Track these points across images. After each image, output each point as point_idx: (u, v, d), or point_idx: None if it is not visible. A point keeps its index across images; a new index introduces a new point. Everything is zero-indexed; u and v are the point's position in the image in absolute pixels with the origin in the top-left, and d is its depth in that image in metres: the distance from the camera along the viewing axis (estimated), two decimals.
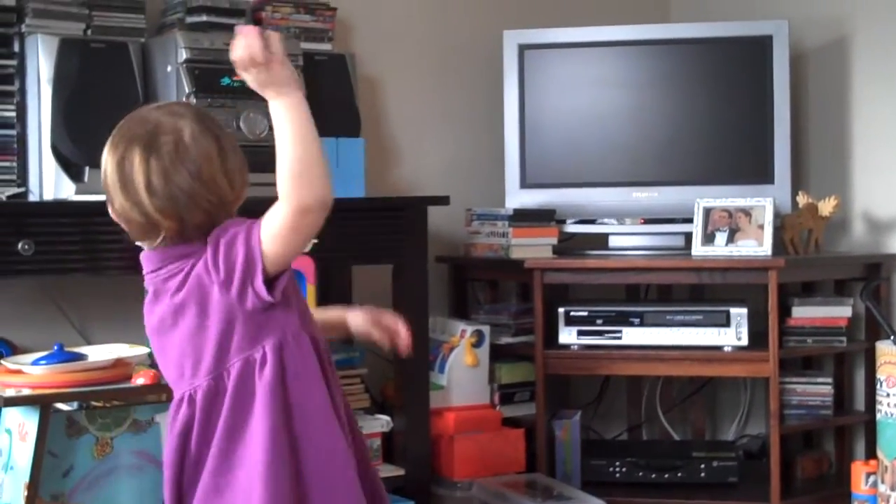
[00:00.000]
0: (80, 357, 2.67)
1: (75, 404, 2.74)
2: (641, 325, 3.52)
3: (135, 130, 1.89)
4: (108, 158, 1.92)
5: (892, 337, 3.39)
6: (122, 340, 2.88)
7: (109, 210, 1.97)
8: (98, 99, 3.12)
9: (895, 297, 3.75)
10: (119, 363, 2.68)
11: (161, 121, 1.90)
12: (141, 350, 2.76)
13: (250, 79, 1.88)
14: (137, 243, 2.01)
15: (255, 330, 1.92)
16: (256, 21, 3.49)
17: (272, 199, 2.61)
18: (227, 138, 1.98)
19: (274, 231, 1.89)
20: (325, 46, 3.59)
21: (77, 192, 3.07)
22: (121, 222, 1.96)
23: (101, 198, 2.95)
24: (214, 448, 1.92)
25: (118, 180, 1.88)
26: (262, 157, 3.18)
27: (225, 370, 1.92)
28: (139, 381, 2.64)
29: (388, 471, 3.30)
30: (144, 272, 1.99)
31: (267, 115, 3.16)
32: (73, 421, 2.68)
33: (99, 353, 2.73)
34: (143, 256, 2.00)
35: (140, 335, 2.88)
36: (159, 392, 2.75)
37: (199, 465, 1.94)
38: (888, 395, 3.35)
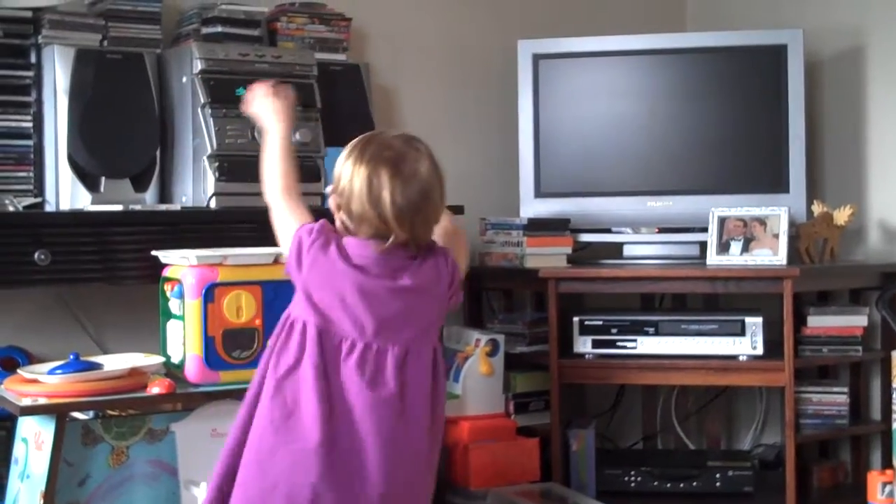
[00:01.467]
0: (96, 366, 2.68)
1: (91, 413, 2.76)
2: (656, 334, 3.51)
3: (381, 153, 2.27)
4: (353, 169, 2.27)
5: None
6: (138, 350, 2.90)
7: (338, 208, 2.32)
8: (114, 109, 3.14)
9: None
10: (134, 372, 2.69)
11: (402, 149, 2.29)
12: (156, 359, 2.77)
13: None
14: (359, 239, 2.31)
15: None
16: (272, 31, 3.51)
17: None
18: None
19: None
20: (340, 57, 3.60)
21: (93, 202, 3.09)
22: (349, 220, 2.30)
23: (118, 207, 3.00)
24: None
25: (365, 190, 2.24)
26: None
27: None
28: (154, 390, 2.65)
29: None
30: (366, 260, 2.28)
31: None
32: (88, 430, 2.69)
33: (114, 362, 2.75)
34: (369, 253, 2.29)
35: (154, 344, 2.90)
36: (174, 401, 2.77)
37: None
38: None
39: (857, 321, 3.59)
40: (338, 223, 2.34)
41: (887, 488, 3.41)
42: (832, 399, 3.56)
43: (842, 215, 3.66)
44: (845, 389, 3.59)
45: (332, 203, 2.34)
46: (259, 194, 3.15)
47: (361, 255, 2.28)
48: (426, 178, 2.28)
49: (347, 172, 2.28)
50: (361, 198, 2.25)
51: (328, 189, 2.38)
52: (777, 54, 3.72)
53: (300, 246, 2.30)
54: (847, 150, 3.92)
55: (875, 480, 3.44)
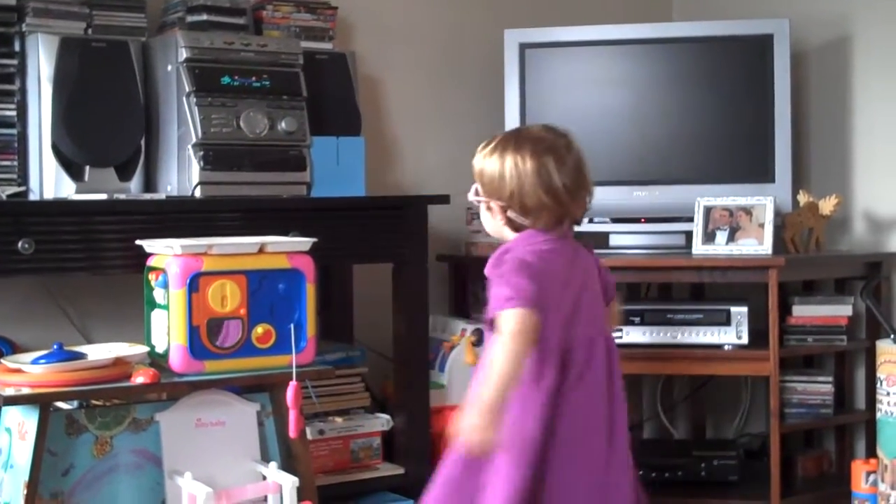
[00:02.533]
0: (80, 356, 2.67)
1: (75, 403, 2.75)
2: (642, 323, 3.52)
3: (538, 146, 2.42)
4: (519, 167, 2.41)
5: (892, 335, 3.39)
6: (122, 339, 2.89)
7: (504, 206, 2.45)
8: (98, 98, 3.13)
9: (895, 295, 3.76)
10: (119, 362, 2.69)
11: (552, 138, 2.46)
12: (141, 349, 2.76)
13: None
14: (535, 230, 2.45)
15: None
16: (257, 20, 3.49)
17: (272, 198, 2.63)
18: None
19: None
20: (326, 45, 3.59)
21: (77, 191, 3.08)
22: (523, 216, 2.43)
23: (102, 196, 2.98)
24: None
25: (538, 182, 2.40)
26: (261, 155, 3.22)
27: None
28: (139, 379, 2.64)
29: (387, 469, 3.32)
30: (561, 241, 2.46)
31: (266, 115, 3.19)
32: (72, 420, 2.68)
33: (98, 351, 2.74)
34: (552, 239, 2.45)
35: (138, 334, 2.89)
36: (159, 391, 2.76)
37: None
38: (888, 393, 3.35)
39: (841, 311, 3.61)
40: (500, 223, 2.47)
41: (871, 477, 3.42)
42: (817, 388, 3.57)
43: (827, 205, 3.67)
44: (830, 379, 3.60)
45: (495, 207, 2.46)
46: (244, 183, 3.16)
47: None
48: (579, 156, 2.46)
49: (511, 171, 2.41)
50: (536, 190, 2.39)
51: (476, 198, 2.50)
52: (763, 44, 3.73)
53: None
54: (833, 139, 3.93)
55: (859, 469, 3.46)
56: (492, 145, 2.48)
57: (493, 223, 2.50)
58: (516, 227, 2.45)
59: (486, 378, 2.29)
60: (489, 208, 2.49)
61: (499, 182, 2.43)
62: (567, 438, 2.36)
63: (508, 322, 2.31)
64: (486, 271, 2.41)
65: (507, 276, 2.35)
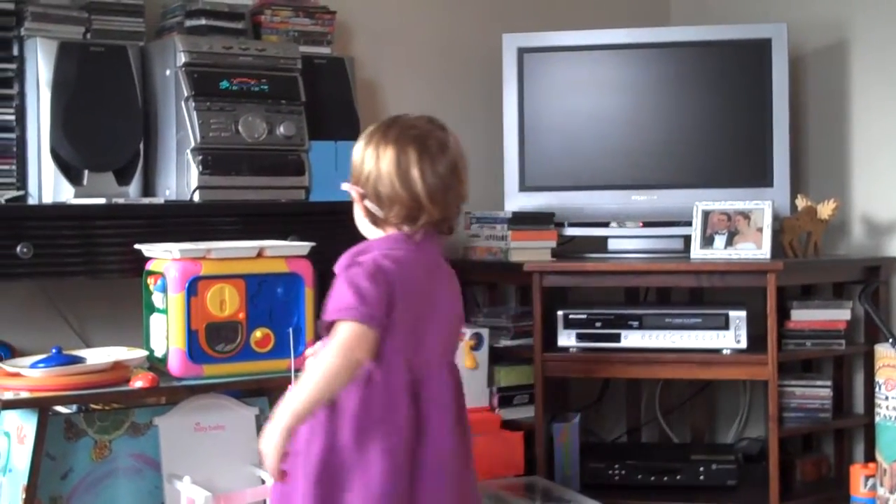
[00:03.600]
0: (79, 360, 2.67)
1: (74, 407, 2.75)
2: (640, 327, 3.52)
3: (406, 132, 2.24)
4: (378, 152, 2.23)
5: (890, 340, 3.39)
6: (121, 343, 2.89)
7: (362, 197, 2.25)
8: (97, 102, 3.13)
9: (894, 300, 3.75)
10: (117, 366, 2.69)
11: (427, 127, 2.28)
12: (139, 353, 2.77)
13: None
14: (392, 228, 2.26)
15: None
16: (256, 24, 3.49)
17: (271, 203, 2.64)
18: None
19: None
20: (325, 50, 3.59)
21: (76, 196, 3.08)
22: (377, 206, 2.24)
23: (101, 201, 2.98)
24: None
25: (394, 171, 2.20)
26: (260, 160, 3.22)
27: None
28: (137, 383, 2.64)
29: None
30: (420, 250, 2.25)
31: (265, 119, 3.20)
32: (71, 424, 2.68)
33: (97, 356, 2.74)
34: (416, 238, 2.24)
35: (137, 338, 2.89)
36: (158, 395, 2.76)
37: None
38: (887, 398, 3.35)
39: (840, 315, 3.61)
40: (362, 214, 2.27)
41: (870, 482, 3.42)
42: (815, 393, 3.57)
43: (825, 209, 3.67)
44: (828, 383, 3.60)
45: (354, 195, 2.27)
46: (242, 188, 3.17)
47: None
48: (454, 154, 2.26)
49: (371, 157, 2.23)
50: (391, 178, 2.20)
51: (346, 184, 2.29)
52: (761, 48, 3.73)
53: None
54: (831, 144, 3.93)
55: (858, 474, 3.46)
56: (367, 131, 2.29)
57: (357, 216, 2.30)
58: (374, 220, 2.25)
59: (297, 388, 2.12)
60: (356, 199, 2.29)
61: (359, 166, 2.24)
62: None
63: (342, 334, 2.11)
64: (336, 268, 2.22)
65: (357, 280, 2.14)
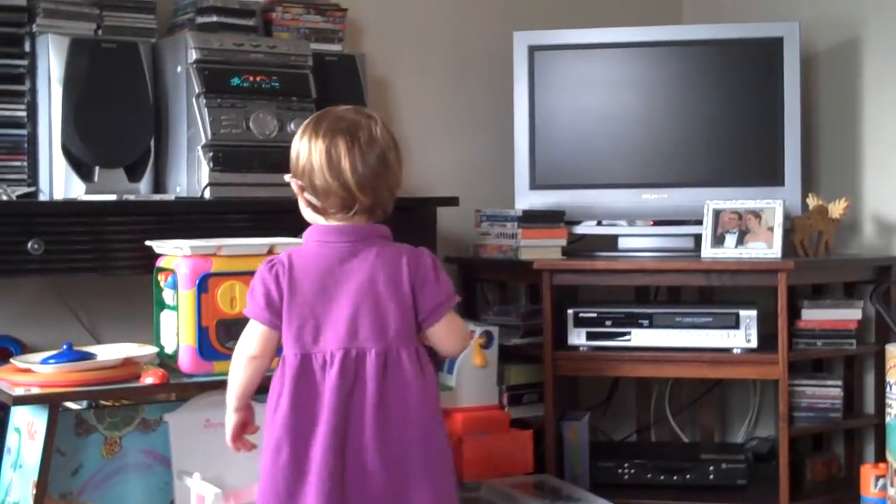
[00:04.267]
0: (89, 356, 2.68)
1: (84, 403, 2.76)
2: (651, 326, 3.51)
3: (336, 125, 2.30)
4: (311, 145, 2.30)
5: None
6: (132, 340, 2.89)
7: (301, 186, 2.32)
8: (108, 99, 3.13)
9: None
10: (128, 362, 2.69)
11: (355, 119, 2.33)
12: (150, 349, 2.77)
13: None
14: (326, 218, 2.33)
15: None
16: (267, 21, 3.49)
17: (282, 200, 2.65)
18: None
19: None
20: (336, 47, 3.59)
21: (87, 192, 3.09)
22: (314, 197, 2.31)
23: (112, 197, 2.99)
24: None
25: (325, 163, 2.27)
26: (271, 157, 3.22)
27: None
28: (148, 380, 2.65)
29: None
30: (334, 240, 2.32)
31: (276, 116, 3.20)
32: (81, 420, 2.68)
33: (108, 352, 2.74)
34: (334, 228, 2.32)
35: (148, 334, 2.89)
36: (168, 391, 2.76)
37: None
38: None
39: (851, 314, 3.60)
40: (303, 205, 2.36)
41: (880, 482, 3.41)
42: (826, 392, 3.56)
43: (837, 208, 3.66)
44: (839, 383, 3.59)
45: (294, 186, 2.35)
46: (253, 185, 3.17)
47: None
48: (382, 143, 2.32)
49: (305, 150, 2.30)
50: (322, 171, 2.28)
51: (287, 176, 2.37)
52: (773, 47, 3.72)
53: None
54: (842, 143, 3.92)
55: (868, 474, 3.45)
56: (302, 125, 2.36)
57: (302, 208, 2.38)
58: (316, 210, 2.34)
59: None
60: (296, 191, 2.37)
61: (295, 160, 2.33)
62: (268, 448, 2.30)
63: (244, 331, 2.35)
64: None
65: (255, 279, 2.33)
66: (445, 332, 2.35)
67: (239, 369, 2.36)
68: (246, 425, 2.42)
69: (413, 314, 2.31)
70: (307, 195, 2.33)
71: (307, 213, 2.37)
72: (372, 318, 2.28)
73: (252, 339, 2.33)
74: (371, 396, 2.24)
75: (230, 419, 2.40)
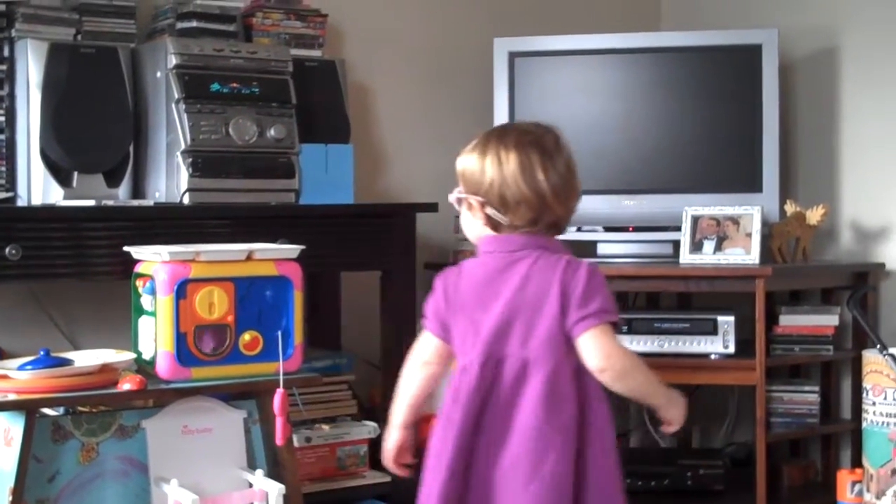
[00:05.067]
0: (67, 362, 2.67)
1: (61, 409, 2.74)
2: (629, 332, 3.52)
3: (523, 138, 2.31)
4: (500, 158, 2.28)
5: (878, 346, 3.39)
6: (110, 346, 2.89)
7: (483, 202, 2.29)
8: (87, 104, 3.12)
9: (882, 305, 3.76)
10: (105, 368, 2.68)
11: (539, 131, 2.34)
12: (127, 355, 2.76)
13: None
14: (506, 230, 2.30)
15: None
16: (247, 27, 3.49)
17: (261, 206, 2.64)
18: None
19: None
20: (316, 53, 3.59)
21: (65, 197, 3.08)
22: (500, 210, 2.28)
23: (90, 203, 2.98)
24: None
25: (520, 174, 2.26)
26: (250, 162, 3.22)
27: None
28: (125, 386, 2.64)
29: (374, 477, 3.31)
30: (497, 250, 2.30)
31: (255, 122, 3.20)
32: (58, 426, 2.67)
33: (85, 358, 2.73)
34: (498, 238, 2.31)
35: (126, 340, 2.89)
36: (145, 398, 2.76)
37: None
38: (874, 403, 3.36)
39: (828, 321, 3.62)
40: (480, 222, 2.32)
41: (857, 487, 3.43)
42: (803, 398, 3.58)
43: (814, 215, 3.68)
44: (816, 388, 3.61)
45: (473, 202, 2.30)
46: (232, 190, 3.17)
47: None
48: (565, 153, 2.34)
49: (492, 163, 2.28)
50: (517, 182, 2.26)
51: (454, 196, 2.35)
52: (752, 54, 3.74)
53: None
54: (820, 150, 3.94)
55: (845, 479, 3.46)
56: (475, 141, 2.35)
57: (471, 224, 2.35)
58: (495, 227, 2.30)
59: None
60: (470, 207, 2.33)
61: (479, 175, 2.29)
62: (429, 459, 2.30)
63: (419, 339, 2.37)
64: None
65: (433, 288, 2.35)
66: (589, 347, 2.22)
67: (408, 376, 2.37)
68: (404, 449, 2.40)
69: (562, 326, 2.23)
70: (489, 210, 2.28)
71: (477, 229, 2.33)
72: (517, 328, 2.24)
73: (423, 347, 2.36)
74: (498, 407, 2.23)
75: (392, 437, 2.39)
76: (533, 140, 2.31)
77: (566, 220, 2.35)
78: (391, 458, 2.41)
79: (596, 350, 2.22)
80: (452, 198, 2.37)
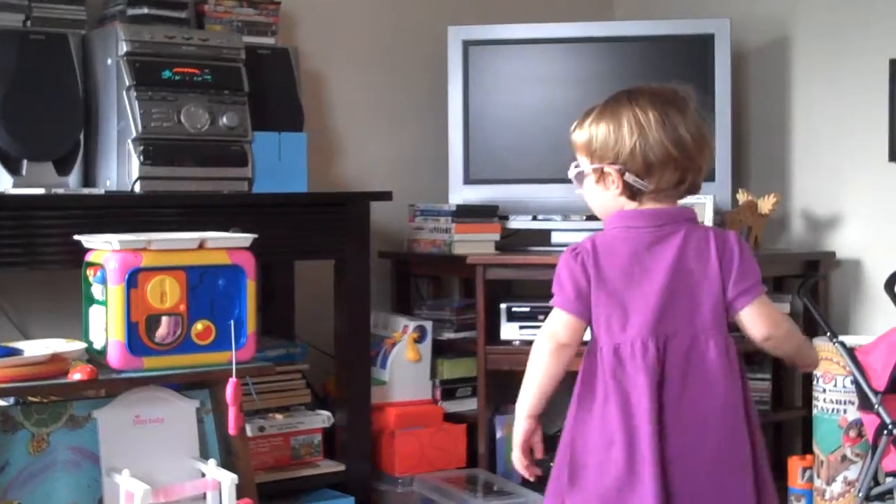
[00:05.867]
0: (17, 352, 2.64)
1: (11, 399, 2.71)
2: None
3: (656, 98, 2.20)
4: (638, 120, 2.17)
5: (828, 333, 3.42)
6: (60, 335, 2.86)
7: (621, 170, 2.17)
8: (37, 91, 3.09)
9: (832, 294, 3.80)
10: (56, 358, 2.65)
11: (667, 90, 2.23)
12: (78, 345, 2.73)
13: None
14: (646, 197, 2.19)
15: None
16: (199, 14, 3.47)
17: (213, 194, 2.62)
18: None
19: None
20: (269, 40, 3.57)
21: (14, 185, 3.05)
22: (644, 175, 2.17)
23: (40, 191, 2.95)
24: None
25: (663, 133, 2.16)
26: (202, 150, 3.20)
27: None
28: (76, 376, 2.61)
29: (328, 466, 3.31)
30: (642, 225, 2.18)
31: (207, 109, 3.17)
32: (8, 416, 2.65)
33: (35, 347, 2.70)
34: (642, 212, 2.19)
35: (76, 330, 2.86)
36: (96, 387, 2.73)
37: None
38: (825, 390, 3.39)
39: (779, 308, 3.63)
40: (607, 193, 2.20)
41: (807, 473, 3.46)
42: (755, 385, 3.60)
43: (766, 204, 3.70)
44: (768, 376, 3.64)
45: (610, 170, 2.18)
46: (184, 178, 3.14)
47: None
48: (693, 106, 2.23)
49: (628, 129, 2.17)
50: (661, 142, 2.15)
51: (573, 170, 2.25)
52: (704, 44, 3.76)
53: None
54: (772, 139, 3.97)
55: (795, 466, 3.50)
56: (597, 111, 2.24)
57: (603, 198, 2.22)
58: (633, 195, 2.18)
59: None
60: (599, 179, 2.20)
61: (616, 142, 2.17)
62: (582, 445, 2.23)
63: (548, 320, 2.23)
64: None
65: (560, 267, 2.20)
66: (754, 318, 2.19)
67: (545, 359, 2.21)
68: (536, 442, 2.26)
69: (722, 300, 2.17)
70: (629, 178, 2.16)
71: (611, 201, 2.21)
72: (680, 304, 2.15)
73: (560, 328, 2.20)
74: (673, 385, 2.14)
75: (521, 427, 2.24)
76: (668, 99, 2.21)
77: (703, 175, 2.24)
78: (524, 453, 2.26)
79: (762, 320, 2.20)
80: (572, 173, 2.26)
